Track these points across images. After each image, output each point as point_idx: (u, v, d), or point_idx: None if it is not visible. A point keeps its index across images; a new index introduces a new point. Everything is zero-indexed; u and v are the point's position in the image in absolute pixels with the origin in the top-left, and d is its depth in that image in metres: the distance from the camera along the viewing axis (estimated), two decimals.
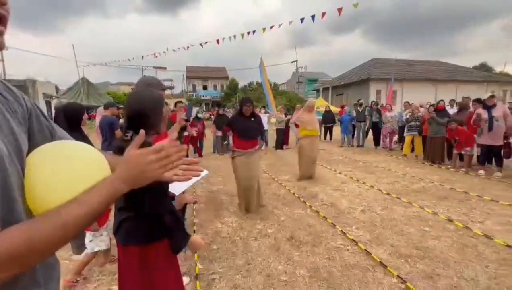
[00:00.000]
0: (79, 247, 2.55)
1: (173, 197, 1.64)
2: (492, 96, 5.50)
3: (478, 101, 5.94)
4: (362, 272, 2.38)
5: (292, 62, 28.33)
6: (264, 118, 9.07)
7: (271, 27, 10.36)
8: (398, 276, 2.28)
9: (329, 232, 3.15)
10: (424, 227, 3.20)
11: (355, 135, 9.98)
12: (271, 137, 9.87)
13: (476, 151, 5.97)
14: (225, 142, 3.34)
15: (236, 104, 23.01)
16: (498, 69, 34.68)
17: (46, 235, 0.51)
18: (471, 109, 6.26)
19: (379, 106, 9.65)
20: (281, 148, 9.38)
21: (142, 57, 13.79)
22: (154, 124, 1.18)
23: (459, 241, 2.86)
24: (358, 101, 10.11)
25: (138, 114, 1.15)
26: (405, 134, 7.75)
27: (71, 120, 2.33)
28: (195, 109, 9.77)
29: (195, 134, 6.08)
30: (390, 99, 13.64)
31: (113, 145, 1.19)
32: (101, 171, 0.64)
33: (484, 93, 7.81)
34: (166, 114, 1.25)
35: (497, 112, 5.25)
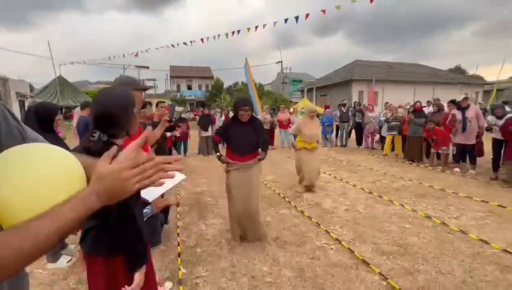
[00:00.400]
0: (54, 255, 2.42)
1: (146, 203, 1.58)
2: (466, 98, 5.79)
3: (453, 102, 6.24)
4: (345, 270, 2.42)
5: (277, 62, 28.60)
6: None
7: (256, 27, 10.36)
8: (380, 273, 2.33)
9: (313, 232, 3.17)
10: (404, 224, 3.30)
11: (339, 135, 10.17)
12: None
13: (451, 150, 6.26)
14: (217, 153, 2.87)
15: (223, 104, 22.83)
16: (471, 72, 36.59)
17: (14, 252, 0.47)
18: (447, 110, 6.55)
19: (361, 107, 9.90)
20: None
21: (124, 55, 13.37)
22: (123, 125, 1.10)
23: (437, 237, 2.98)
24: (342, 102, 10.31)
25: (104, 114, 1.08)
26: (385, 134, 8.00)
27: (43, 120, 2.20)
28: (178, 109, 9.60)
29: (177, 134, 5.96)
30: (372, 100, 14.03)
31: (80, 146, 1.10)
32: (73, 180, 0.59)
33: (458, 95, 8.20)
34: (137, 114, 1.17)
35: (470, 113, 5.52)
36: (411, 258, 2.58)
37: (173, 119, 2.20)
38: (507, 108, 5.76)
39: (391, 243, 2.86)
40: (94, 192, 0.58)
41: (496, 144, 5.15)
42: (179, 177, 1.66)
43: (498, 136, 5.03)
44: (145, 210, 1.68)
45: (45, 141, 0.73)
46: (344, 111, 9.78)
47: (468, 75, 32.81)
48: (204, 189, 4.97)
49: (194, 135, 9.53)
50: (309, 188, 4.66)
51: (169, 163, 0.68)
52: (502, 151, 5.06)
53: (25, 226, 0.50)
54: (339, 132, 10.14)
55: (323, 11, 8.82)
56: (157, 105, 4.90)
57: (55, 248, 2.35)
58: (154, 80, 32.86)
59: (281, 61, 28.15)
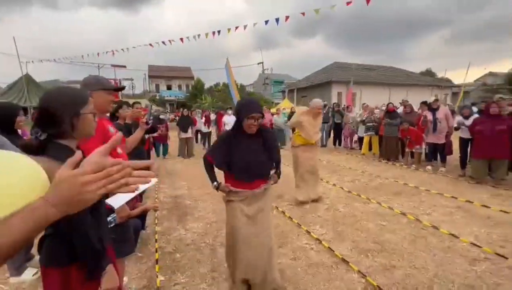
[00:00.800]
0: (18, 269, 2.24)
1: (112, 209, 1.49)
2: (436, 100, 6.12)
3: (424, 103, 6.56)
4: (326, 269, 2.45)
5: (258, 63, 28.71)
6: (232, 118, 9.00)
7: (236, 27, 10.33)
8: (359, 271, 2.38)
9: (294, 232, 3.19)
10: (381, 222, 3.40)
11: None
12: None
13: (424, 149, 6.58)
14: (214, 183, 1.98)
15: (204, 105, 22.48)
16: (440, 75, 38.79)
17: None
18: (419, 111, 6.88)
19: (341, 108, 10.16)
20: None
21: (98, 54, 12.77)
22: (65, 125, 1.02)
23: (411, 233, 3.10)
24: (326, 103, 10.55)
25: (44, 112, 1.01)
26: (363, 134, 8.26)
27: (2, 122, 2.04)
28: (155, 109, 9.30)
29: (155, 135, 5.79)
30: (350, 101, 14.48)
31: (22, 143, 1.00)
32: (34, 188, 0.55)
33: (429, 97, 8.62)
34: (90, 116, 1.08)
35: (440, 114, 5.83)
36: (388, 255, 2.66)
37: (149, 121, 2.09)
38: (474, 109, 6.16)
39: (369, 241, 2.94)
40: (47, 200, 0.53)
41: (463, 143, 5.47)
42: (150, 182, 1.59)
43: (465, 135, 5.35)
44: (109, 218, 1.57)
45: (11, 146, 0.66)
46: (324, 112, 9.97)
47: (438, 78, 34.78)
48: (184, 192, 4.85)
49: (174, 136, 9.32)
50: (309, 199, 4.07)
51: (145, 168, 0.64)
52: (469, 149, 5.39)
53: None
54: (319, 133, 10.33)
55: (303, 13, 8.97)
56: (132, 105, 4.72)
57: (17, 261, 2.17)
58: (131, 80, 31.77)
59: (262, 62, 28.29)
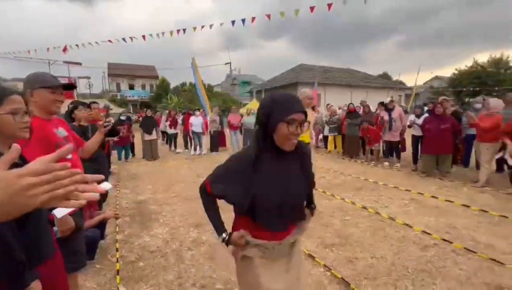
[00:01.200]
0: None
1: (53, 220, 1.35)
2: (392, 101, 6.62)
3: (382, 104, 7.05)
4: None
5: (226, 64, 28.44)
6: (199, 120, 8.78)
7: (202, 27, 10.13)
8: (324, 265, 2.47)
9: None
10: (345, 217, 3.58)
11: None
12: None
13: (382, 147, 7.08)
14: (222, 235, 1.22)
15: (169, 105, 21.64)
16: (394, 78, 42.09)
17: None
18: (378, 111, 7.38)
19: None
20: (217, 150, 9.24)
21: (48, 49, 11.59)
22: None
23: (372, 225, 3.30)
24: None
25: None
26: (327, 133, 8.64)
27: None
28: (114, 109, 8.73)
29: (115, 139, 5.44)
30: (315, 101, 15.08)
31: None
32: None
33: (386, 98, 9.27)
34: (10, 117, 0.98)
35: (395, 114, 6.33)
36: (351, 248, 2.79)
37: (108, 123, 1.94)
38: (425, 108, 6.77)
39: (333, 236, 3.07)
40: None
41: (415, 140, 5.99)
42: (105, 186, 1.47)
43: (417, 133, 5.86)
44: (55, 228, 1.42)
45: None
46: None
47: (393, 81, 37.72)
48: (148, 197, 4.62)
49: (138, 138, 8.85)
50: None
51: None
52: (419, 146, 5.92)
53: None
54: None
55: (268, 16, 9.11)
56: (89, 106, 4.38)
57: None
58: (88, 78, 29.46)
59: (230, 63, 28.12)
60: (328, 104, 10.00)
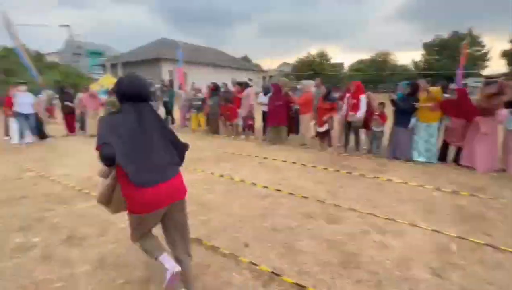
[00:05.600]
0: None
1: None
2: (249, 80, 7.48)
3: (239, 84, 7.83)
4: None
5: (62, 26, 22.25)
6: (27, 97, 6.60)
7: None
8: None
9: (114, 219, 3.00)
10: (203, 186, 3.90)
11: None
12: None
13: (240, 122, 7.98)
14: None
15: None
16: (254, 61, 47.32)
17: None
18: (235, 90, 8.17)
19: (167, 85, 10.08)
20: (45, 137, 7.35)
21: None
22: None
23: (226, 188, 3.79)
24: (153, 80, 9.99)
25: None
26: (191, 112, 8.80)
27: None
28: None
29: None
30: (181, 79, 14.70)
31: None
32: None
33: (245, 78, 10.38)
34: None
35: (245, 93, 7.24)
36: (207, 211, 3.13)
37: None
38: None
39: (192, 204, 3.30)
40: None
41: (264, 115, 7.16)
42: None
43: (265, 109, 6.99)
44: None
45: None
46: (153, 90, 9.56)
47: (253, 63, 42.28)
48: None
49: None
50: None
51: None
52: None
53: None
54: None
55: None
56: None
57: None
58: None
59: (68, 25, 22.21)
60: (193, 83, 10.03)
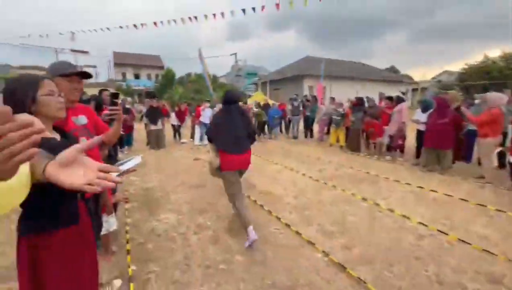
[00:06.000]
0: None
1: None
2: (404, 93, 6.59)
3: (389, 98, 7.03)
4: (293, 250, 2.63)
5: (231, 54, 28.30)
6: (208, 111, 8.88)
7: (214, 14, 10.12)
8: (323, 251, 2.60)
9: (265, 219, 3.35)
10: (344, 206, 3.69)
11: (290, 127, 10.67)
12: None
13: (386, 140, 7.11)
14: None
15: (175, 96, 21.71)
16: (403, 71, 41.52)
17: None
18: (383, 105, 7.39)
19: (310, 101, 10.51)
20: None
21: (47, 35, 11.68)
22: (28, 110, 1.06)
23: (370, 215, 3.41)
24: (296, 96, 10.82)
25: (9, 101, 1.05)
26: (330, 127, 8.71)
27: None
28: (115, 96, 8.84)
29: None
30: (320, 94, 15.02)
31: None
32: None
33: (393, 92, 9.24)
34: (43, 101, 1.11)
35: (396, 108, 6.33)
36: (349, 236, 2.92)
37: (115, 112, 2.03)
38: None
39: (333, 224, 3.19)
40: None
41: (420, 135, 6.02)
42: (137, 159, 1.61)
43: (422, 128, 5.88)
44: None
45: None
46: (296, 105, 10.27)
47: (401, 75, 37.17)
48: (155, 185, 4.78)
49: (141, 129, 8.96)
50: None
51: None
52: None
53: None
54: (291, 125, 10.64)
55: (277, 5, 9.04)
56: (100, 93, 4.50)
57: None
58: (94, 66, 29.60)
59: (235, 54, 27.97)
60: (331, 98, 9.98)
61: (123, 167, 1.42)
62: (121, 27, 10.69)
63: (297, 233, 2.96)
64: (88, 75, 1.60)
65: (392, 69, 41.65)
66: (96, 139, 0.66)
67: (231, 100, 2.86)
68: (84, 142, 0.62)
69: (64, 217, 1.14)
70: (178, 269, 2.38)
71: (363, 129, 7.39)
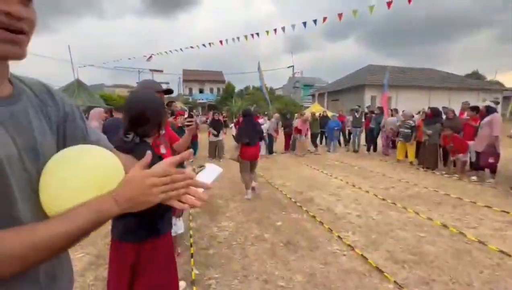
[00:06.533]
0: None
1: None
2: (497, 102, 5.59)
3: (474, 109, 6.02)
4: (358, 277, 2.39)
5: (288, 67, 28.61)
6: (267, 123, 9.11)
7: (275, 30, 10.49)
8: (395, 281, 2.29)
9: (325, 237, 3.15)
10: (419, 233, 3.22)
11: (351, 140, 10.06)
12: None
13: (469, 157, 6.06)
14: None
15: (233, 108, 22.91)
16: (489, 77, 35.48)
17: (23, 247, 0.48)
18: (466, 116, 6.37)
19: (375, 112, 9.75)
20: (271, 152, 9.38)
21: (134, 57, 13.77)
22: (155, 126, 1.20)
23: (454, 246, 2.89)
24: (359, 107, 10.23)
25: (140, 117, 1.16)
26: (397, 140, 7.87)
27: None
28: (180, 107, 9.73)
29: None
30: (385, 105, 13.80)
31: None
32: (111, 177, 0.61)
33: (476, 101, 7.90)
34: (166, 115, 1.28)
35: (484, 120, 5.34)
36: (427, 268, 2.51)
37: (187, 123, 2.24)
38: None
39: (405, 251, 2.81)
40: (113, 196, 0.57)
41: None
42: (217, 171, 1.72)
43: None
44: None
45: (107, 142, 0.76)
46: (358, 116, 9.67)
47: (487, 81, 31.84)
48: (215, 192, 5.01)
49: (204, 139, 9.57)
50: None
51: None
52: None
53: (41, 225, 0.51)
54: (351, 138, 10.03)
55: (340, 15, 8.79)
56: (168, 104, 5.01)
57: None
58: (167, 83, 33.53)
59: (293, 66, 28.18)
60: (402, 110, 9.05)
61: (208, 180, 1.51)
62: (192, 47, 11.96)
63: (363, 257, 2.69)
64: (171, 91, 1.81)
65: (475, 75, 36.05)
66: (187, 153, 0.69)
67: (247, 114, 4.80)
68: (176, 156, 0.65)
69: (164, 226, 1.30)
70: (236, 279, 2.39)
71: (440, 144, 6.47)
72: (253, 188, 4.63)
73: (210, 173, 1.07)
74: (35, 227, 0.51)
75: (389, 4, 7.47)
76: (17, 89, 0.59)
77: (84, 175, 0.58)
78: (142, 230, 1.21)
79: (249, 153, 4.48)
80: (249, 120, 4.66)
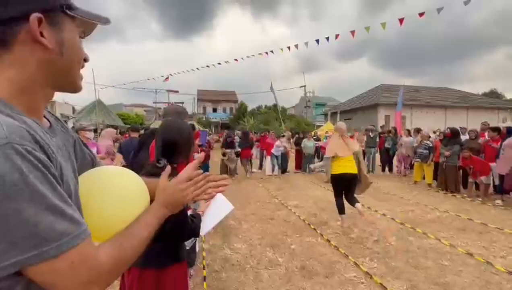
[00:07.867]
0: None
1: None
2: None
3: (496, 130, 5.84)
4: None
5: (301, 86, 28.97)
6: (281, 143, 9.15)
7: (288, 47, 10.86)
8: None
9: (341, 263, 3.04)
10: (442, 261, 3.05)
11: (365, 160, 9.87)
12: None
13: (492, 180, 5.79)
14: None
15: (246, 127, 23.22)
16: (508, 96, 34.48)
17: (130, 253, 0.58)
18: (487, 137, 6.18)
19: (390, 132, 9.60)
20: (284, 172, 9.30)
21: (153, 78, 14.45)
22: (185, 153, 1.26)
23: (481, 277, 2.71)
24: (373, 127, 10.13)
25: (172, 144, 1.23)
26: (413, 161, 7.66)
27: None
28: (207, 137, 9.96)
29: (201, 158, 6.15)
30: (399, 124, 13.58)
31: (145, 171, 1.19)
32: (144, 195, 0.72)
33: (495, 120, 7.68)
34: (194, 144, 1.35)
35: (506, 141, 5.15)
36: None
37: (204, 145, 2.32)
38: None
39: (428, 281, 2.65)
40: (162, 202, 0.70)
41: None
42: (228, 208, 1.76)
43: None
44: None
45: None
46: (372, 136, 9.55)
47: (506, 100, 30.96)
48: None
49: (218, 156, 9.68)
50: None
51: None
52: None
53: (124, 234, 0.60)
54: (365, 158, 9.85)
55: (352, 32, 8.94)
56: None
57: None
58: (182, 103, 34.65)
59: (304, 86, 28.53)
60: (419, 129, 8.88)
61: (216, 218, 1.62)
62: (208, 66, 12.48)
63: (382, 286, 2.56)
64: (190, 116, 1.91)
65: (494, 94, 35.19)
66: (201, 155, 0.83)
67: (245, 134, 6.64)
68: (194, 161, 0.78)
69: (183, 253, 1.33)
70: None
71: (459, 166, 6.24)
72: None
73: (219, 209, 1.21)
74: (121, 238, 0.59)
75: (401, 20, 7.56)
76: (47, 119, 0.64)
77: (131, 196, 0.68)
78: (166, 255, 1.22)
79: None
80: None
